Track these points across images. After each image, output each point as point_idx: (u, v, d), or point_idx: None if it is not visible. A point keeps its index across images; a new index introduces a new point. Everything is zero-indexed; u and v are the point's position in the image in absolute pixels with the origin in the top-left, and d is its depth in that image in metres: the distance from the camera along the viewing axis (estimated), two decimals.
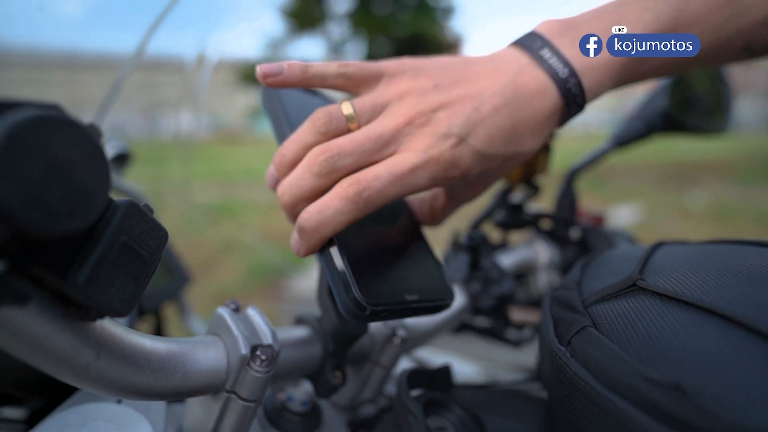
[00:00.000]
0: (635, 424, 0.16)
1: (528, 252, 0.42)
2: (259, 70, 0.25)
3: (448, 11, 7.14)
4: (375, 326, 0.31)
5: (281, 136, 0.27)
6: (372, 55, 6.69)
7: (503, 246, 0.44)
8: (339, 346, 0.28)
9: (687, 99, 0.48)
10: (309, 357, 0.27)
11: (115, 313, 0.17)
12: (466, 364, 0.48)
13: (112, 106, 0.49)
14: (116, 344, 0.19)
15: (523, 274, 0.43)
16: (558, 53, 0.27)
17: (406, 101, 0.25)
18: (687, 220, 4.07)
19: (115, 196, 0.17)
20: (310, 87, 0.27)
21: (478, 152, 0.25)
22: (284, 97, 0.30)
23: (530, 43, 0.27)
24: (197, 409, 0.25)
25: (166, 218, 0.60)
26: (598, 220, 0.44)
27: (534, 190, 0.41)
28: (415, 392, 0.28)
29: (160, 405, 0.27)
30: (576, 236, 0.42)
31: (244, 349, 0.23)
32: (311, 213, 0.23)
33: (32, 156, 0.13)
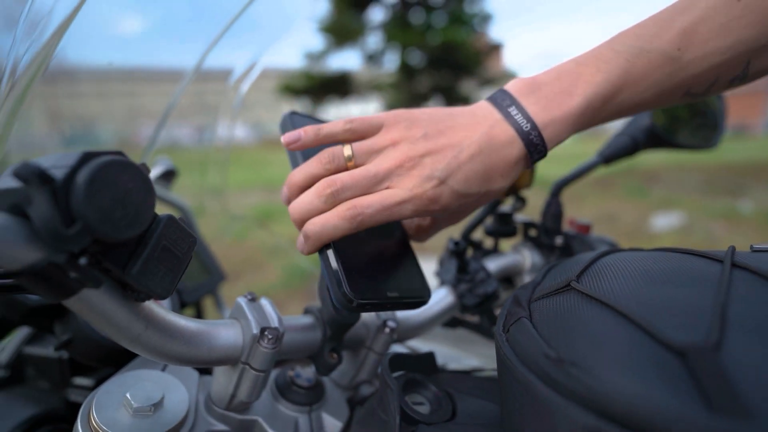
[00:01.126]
0: (536, 392, 0.21)
1: (515, 257, 0.46)
2: (283, 139, 0.33)
3: (485, 19, 7.10)
4: (369, 317, 0.37)
5: (294, 162, 0.34)
6: (406, 65, 6.73)
7: (495, 251, 0.48)
8: (335, 332, 0.33)
9: (675, 117, 0.50)
10: (311, 340, 0.33)
11: (158, 296, 0.23)
12: (468, 357, 0.52)
13: (168, 118, 0.57)
14: (159, 320, 0.26)
15: (510, 277, 0.47)
16: (523, 110, 0.31)
17: (399, 147, 0.31)
18: (735, 225, 3.86)
19: (163, 205, 0.24)
20: (324, 143, 0.33)
21: (456, 192, 0.31)
22: (299, 127, 0.36)
23: (501, 101, 0.33)
24: (221, 379, 0.31)
25: (206, 224, 0.69)
26: (585, 229, 0.48)
27: (521, 202, 0.45)
28: (398, 373, 0.33)
29: (194, 375, 0.34)
30: (560, 243, 0.45)
31: (255, 330, 0.29)
32: (315, 224, 0.30)
33: (105, 188, 0.19)
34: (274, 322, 0.30)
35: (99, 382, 0.42)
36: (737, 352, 0.18)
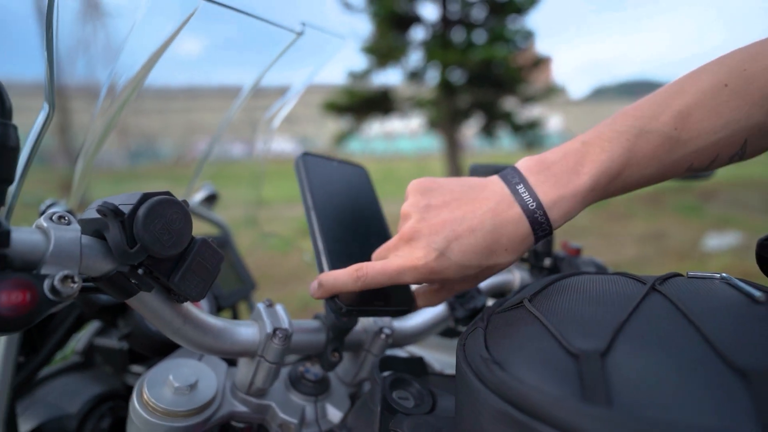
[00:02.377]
0: (471, 384, 0.26)
1: (506, 276, 0.51)
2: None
3: (527, 36, 7.05)
4: (368, 324, 0.43)
5: (304, 201, 0.40)
6: (446, 82, 6.76)
7: None
8: (336, 334, 0.40)
9: None
10: (316, 341, 0.40)
11: (193, 299, 0.31)
12: None
13: (219, 137, 0.65)
14: (193, 318, 0.33)
15: (503, 293, 0.52)
16: (530, 189, 0.33)
17: (407, 221, 0.35)
18: None
19: (206, 224, 0.31)
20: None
21: (456, 263, 0.33)
22: (310, 166, 0.43)
23: (511, 178, 0.34)
24: (243, 369, 0.39)
25: (244, 238, 0.78)
26: (575, 252, 0.51)
27: None
28: (388, 372, 0.39)
29: (223, 365, 0.41)
30: (548, 264, 0.50)
31: (269, 329, 0.36)
32: (329, 278, 0.36)
33: (157, 219, 0.27)
34: (285, 324, 0.37)
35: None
36: (620, 358, 0.23)
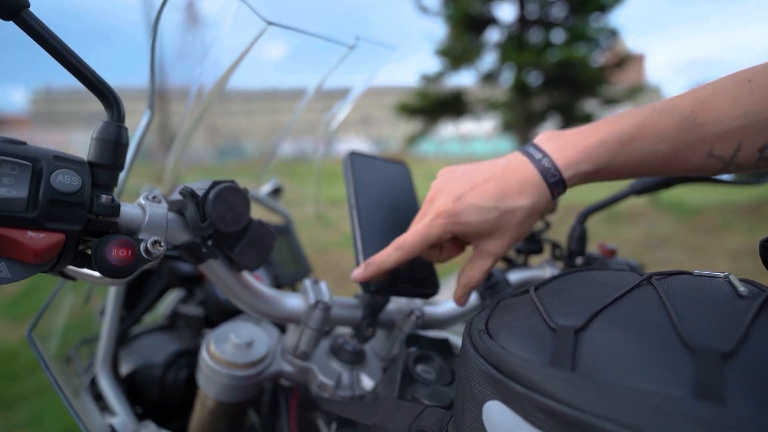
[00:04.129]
0: (467, 351, 0.30)
1: (537, 272, 0.53)
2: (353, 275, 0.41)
3: (612, 34, 6.60)
4: (401, 305, 0.48)
5: (348, 198, 0.46)
6: (521, 84, 6.53)
7: (524, 265, 0.55)
8: (370, 311, 0.45)
9: None
10: (354, 315, 0.46)
11: (250, 269, 0.38)
12: None
13: (285, 137, 0.74)
14: (250, 285, 0.41)
15: None
16: (539, 148, 0.38)
17: (432, 191, 0.40)
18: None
19: (272, 214, 0.38)
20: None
21: (473, 204, 0.37)
22: (356, 165, 0.48)
23: (524, 146, 0.39)
24: (291, 334, 0.45)
25: (305, 229, 0.86)
26: (610, 253, 0.52)
27: (546, 225, 0.51)
28: (415, 348, 0.44)
29: (275, 331, 0.48)
30: (580, 263, 0.51)
31: (312, 301, 0.42)
32: (374, 260, 0.40)
33: (222, 202, 0.34)
34: (326, 298, 0.43)
35: None
36: (592, 334, 0.26)
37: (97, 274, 0.31)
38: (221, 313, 0.56)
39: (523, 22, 6.80)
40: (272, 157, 0.72)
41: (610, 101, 7.01)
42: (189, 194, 0.34)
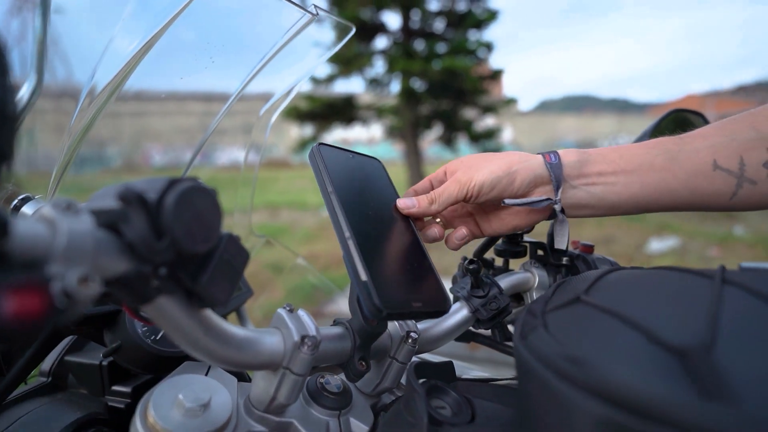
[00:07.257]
0: (553, 388, 0.24)
1: (525, 275, 0.49)
2: (401, 204, 0.44)
3: (487, 47, 7.26)
4: (392, 328, 0.40)
5: (322, 187, 0.38)
6: (408, 91, 6.82)
7: (506, 270, 0.52)
8: (364, 341, 0.36)
9: None
10: (342, 348, 0.36)
11: (220, 303, 0.26)
12: (478, 369, 0.55)
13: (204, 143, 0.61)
14: (215, 327, 0.29)
15: (520, 293, 0.50)
16: (554, 152, 0.45)
17: (451, 167, 0.47)
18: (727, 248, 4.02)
19: None
20: (434, 215, 0.46)
21: (486, 168, 0.43)
22: (326, 155, 0.41)
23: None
24: (261, 383, 0.34)
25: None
26: (589, 249, 0.51)
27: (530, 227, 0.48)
28: (421, 380, 0.36)
29: (233, 380, 0.37)
30: (566, 262, 0.49)
31: (296, 337, 0.32)
32: (424, 200, 0.44)
33: (187, 208, 0.23)
34: (312, 331, 0.33)
35: (135, 389, 0.44)
36: (727, 353, 0.21)
37: None
38: (142, 360, 0.41)
39: (407, 32, 7.09)
40: (190, 164, 0.58)
41: (488, 109, 7.66)
42: (135, 199, 0.22)
